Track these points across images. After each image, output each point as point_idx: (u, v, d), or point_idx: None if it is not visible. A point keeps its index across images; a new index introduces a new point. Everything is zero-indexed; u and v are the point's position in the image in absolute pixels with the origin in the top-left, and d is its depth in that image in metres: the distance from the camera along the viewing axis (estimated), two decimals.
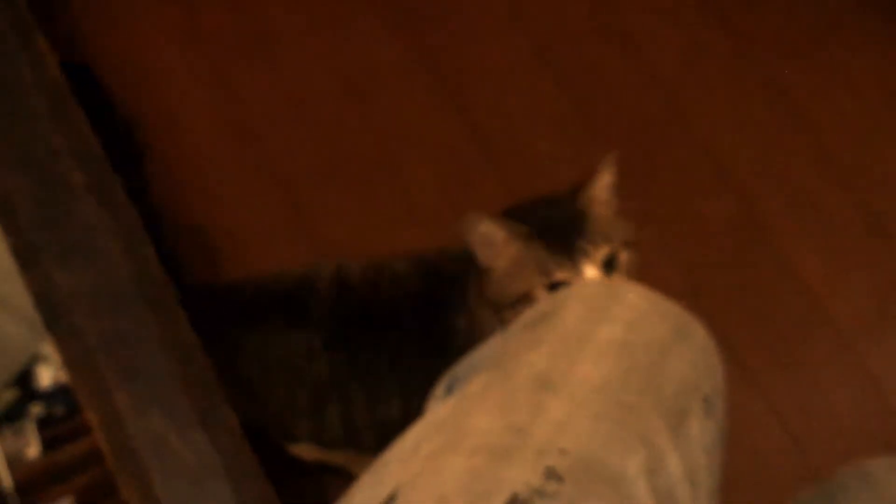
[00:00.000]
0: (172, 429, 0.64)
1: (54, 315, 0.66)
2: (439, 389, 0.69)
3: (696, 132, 1.51)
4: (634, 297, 0.67)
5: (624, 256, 1.00)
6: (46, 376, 0.69)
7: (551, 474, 0.53)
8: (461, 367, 0.69)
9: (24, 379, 0.70)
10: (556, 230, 0.99)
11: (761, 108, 1.52)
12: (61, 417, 0.69)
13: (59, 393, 0.69)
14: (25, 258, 0.68)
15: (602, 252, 0.97)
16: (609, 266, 0.98)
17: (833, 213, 1.46)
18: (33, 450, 0.67)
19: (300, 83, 1.56)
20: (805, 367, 1.37)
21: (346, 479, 1.13)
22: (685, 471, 0.59)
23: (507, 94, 1.54)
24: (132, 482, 0.63)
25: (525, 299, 0.97)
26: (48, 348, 0.70)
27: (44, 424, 0.68)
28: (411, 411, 0.66)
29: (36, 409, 0.69)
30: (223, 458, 0.63)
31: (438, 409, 0.62)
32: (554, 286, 0.96)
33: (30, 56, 0.80)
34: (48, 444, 0.68)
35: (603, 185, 1.01)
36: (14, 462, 0.67)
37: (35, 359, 0.69)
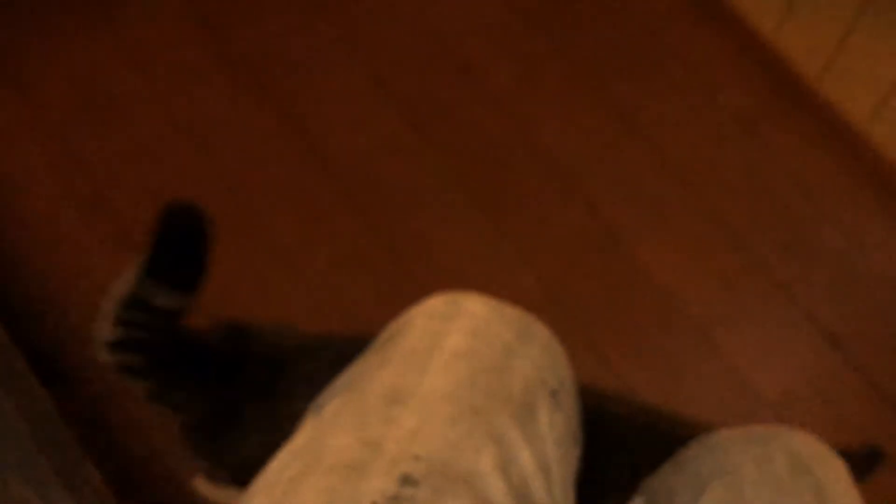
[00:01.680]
0: (35, 494, 0.64)
1: None
2: (305, 420, 0.71)
3: (538, 148, 1.57)
4: (476, 307, 0.70)
5: None
6: None
7: (406, 480, 0.55)
8: (323, 395, 0.71)
9: None
10: None
11: (597, 119, 1.60)
12: None
13: None
14: None
15: None
16: None
17: (674, 211, 1.54)
18: None
19: (148, 144, 1.55)
20: (666, 358, 1.44)
21: None
22: (537, 463, 0.62)
23: (354, 130, 1.57)
24: None
25: None
26: None
27: None
28: None
29: None
30: None
31: (297, 437, 0.64)
32: None
33: None
34: None
35: None
36: None
37: None
